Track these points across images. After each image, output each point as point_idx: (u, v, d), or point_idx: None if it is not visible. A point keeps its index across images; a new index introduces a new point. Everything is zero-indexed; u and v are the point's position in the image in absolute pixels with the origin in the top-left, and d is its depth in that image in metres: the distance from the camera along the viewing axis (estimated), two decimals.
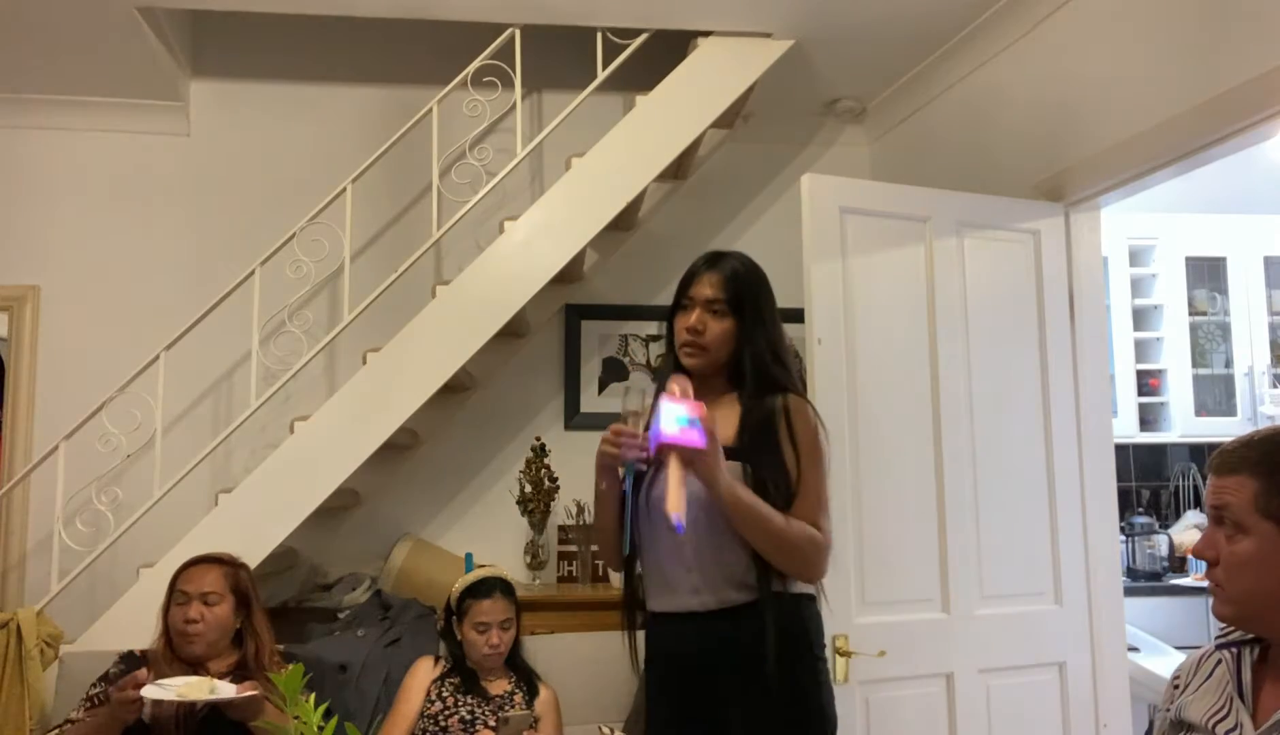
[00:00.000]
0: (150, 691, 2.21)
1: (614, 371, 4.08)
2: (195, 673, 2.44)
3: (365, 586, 3.53)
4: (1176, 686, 1.52)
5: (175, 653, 2.49)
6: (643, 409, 2.02)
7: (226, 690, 2.26)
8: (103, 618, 3.05)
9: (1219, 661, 1.45)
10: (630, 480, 2.02)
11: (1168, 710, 1.51)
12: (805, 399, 2.14)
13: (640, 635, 2.19)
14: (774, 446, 2.05)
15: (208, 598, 2.51)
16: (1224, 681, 1.42)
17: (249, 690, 2.28)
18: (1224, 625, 1.45)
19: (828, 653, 2.59)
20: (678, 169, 3.93)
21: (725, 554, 2.04)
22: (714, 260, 2.15)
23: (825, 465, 2.10)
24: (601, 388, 4.06)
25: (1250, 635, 1.43)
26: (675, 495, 1.86)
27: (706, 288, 2.11)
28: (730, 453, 2.01)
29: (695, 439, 1.88)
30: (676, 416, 1.88)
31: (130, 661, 2.52)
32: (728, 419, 2.08)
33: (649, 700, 2.20)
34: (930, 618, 2.79)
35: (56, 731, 2.47)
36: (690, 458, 1.89)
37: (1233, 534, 1.35)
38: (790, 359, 2.17)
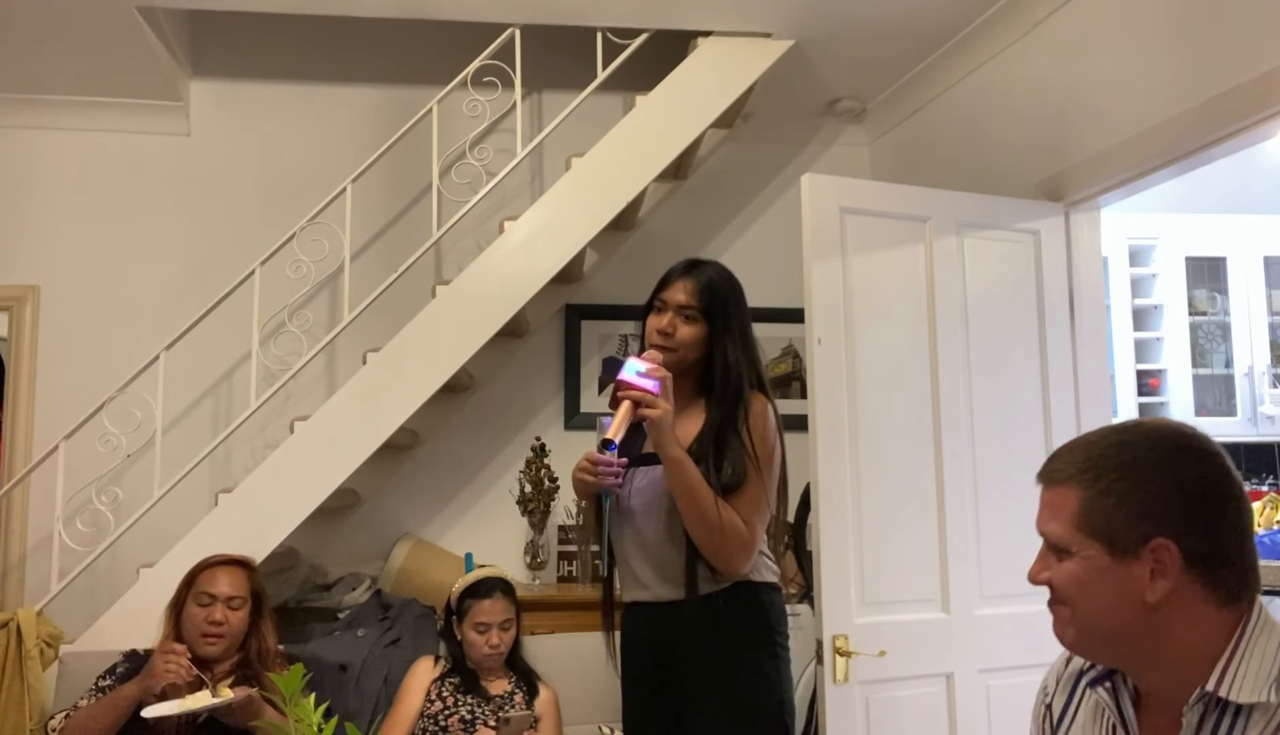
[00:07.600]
0: (154, 709, 2.23)
1: (614, 371, 4.04)
2: (200, 672, 2.44)
3: (365, 586, 3.53)
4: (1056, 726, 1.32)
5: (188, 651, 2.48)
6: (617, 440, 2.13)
7: (224, 696, 2.28)
8: (103, 618, 3.05)
9: (1094, 700, 1.25)
10: (608, 503, 2.16)
11: None
12: (769, 399, 2.20)
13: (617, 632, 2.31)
14: (729, 442, 2.12)
15: (232, 602, 2.52)
16: (1099, 723, 1.24)
17: (243, 692, 2.29)
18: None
19: (826, 652, 2.61)
20: (678, 169, 3.92)
21: (688, 551, 2.11)
22: (690, 267, 2.23)
23: (774, 472, 2.17)
24: (601, 388, 4.05)
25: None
26: (616, 424, 2.02)
27: (680, 293, 2.19)
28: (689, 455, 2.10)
29: (650, 387, 2.04)
30: (638, 369, 2.07)
31: (135, 660, 2.52)
32: (692, 424, 2.17)
33: (622, 684, 2.30)
34: (930, 618, 2.79)
35: (62, 715, 2.46)
36: (640, 400, 2.03)
37: (1059, 556, 1.19)
38: (762, 365, 2.25)
